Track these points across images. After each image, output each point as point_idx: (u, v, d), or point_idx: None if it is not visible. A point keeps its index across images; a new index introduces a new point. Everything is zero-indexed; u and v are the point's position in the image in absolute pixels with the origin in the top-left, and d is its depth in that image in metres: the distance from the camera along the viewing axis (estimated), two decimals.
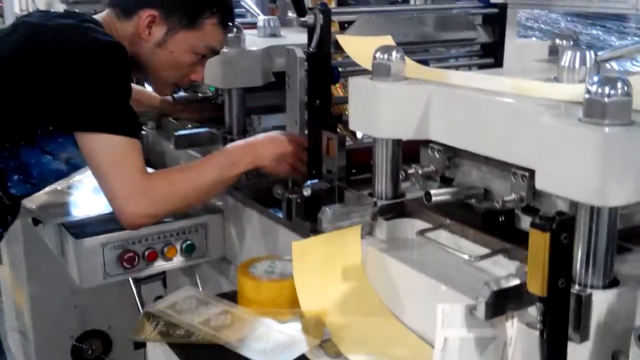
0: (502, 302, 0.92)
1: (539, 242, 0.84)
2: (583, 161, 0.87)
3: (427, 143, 1.23)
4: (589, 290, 0.92)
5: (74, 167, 1.52)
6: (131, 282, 1.87)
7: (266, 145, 1.47)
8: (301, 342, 1.10)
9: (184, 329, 1.15)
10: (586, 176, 0.87)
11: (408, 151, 1.29)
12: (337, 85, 1.63)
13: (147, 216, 1.38)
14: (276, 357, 1.06)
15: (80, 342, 2.36)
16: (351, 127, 1.31)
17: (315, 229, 1.33)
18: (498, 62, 1.69)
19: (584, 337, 0.92)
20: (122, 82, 1.38)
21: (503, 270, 1.06)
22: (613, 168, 0.86)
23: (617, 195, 0.87)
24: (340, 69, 1.47)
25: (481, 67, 1.70)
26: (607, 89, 0.86)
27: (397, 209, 1.27)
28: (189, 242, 1.65)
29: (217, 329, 1.14)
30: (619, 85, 0.86)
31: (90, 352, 2.38)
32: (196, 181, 1.42)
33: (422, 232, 1.19)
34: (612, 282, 0.95)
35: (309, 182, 1.40)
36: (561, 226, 0.84)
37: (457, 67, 1.73)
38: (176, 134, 1.77)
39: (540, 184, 0.94)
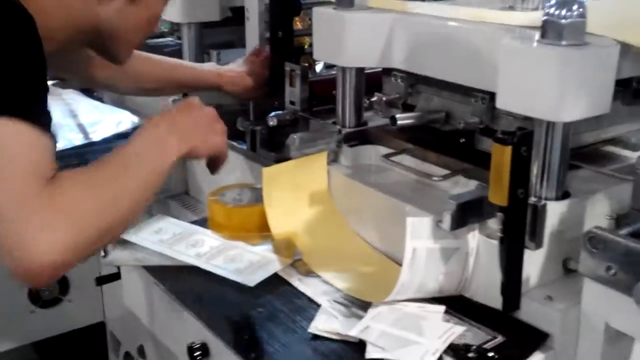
0: (465, 215, 0.99)
1: (501, 155, 0.91)
2: (541, 79, 0.93)
3: (389, 71, 1.28)
4: (543, 201, 1.00)
5: None
6: None
7: (191, 124, 1.09)
8: (274, 262, 1.15)
9: (158, 253, 1.18)
10: (543, 93, 0.93)
11: (368, 81, 1.34)
12: (296, 18, 1.65)
13: (64, 252, 0.84)
14: (251, 275, 1.10)
15: None
16: (316, 57, 1.33)
17: (279, 159, 1.37)
18: None
19: (538, 245, 1.00)
20: (25, 51, 0.91)
21: (463, 190, 1.13)
22: (568, 86, 0.92)
23: (570, 111, 0.94)
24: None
25: None
26: (564, 11, 0.92)
27: (360, 136, 1.32)
28: None
29: (191, 252, 1.17)
30: (575, 7, 0.92)
31: (47, 293, 2.37)
32: (123, 184, 0.94)
33: (386, 157, 1.24)
34: (564, 194, 1.03)
35: (273, 113, 1.43)
36: (521, 140, 0.91)
37: None
38: None
39: (500, 103, 1.00)
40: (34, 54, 0.92)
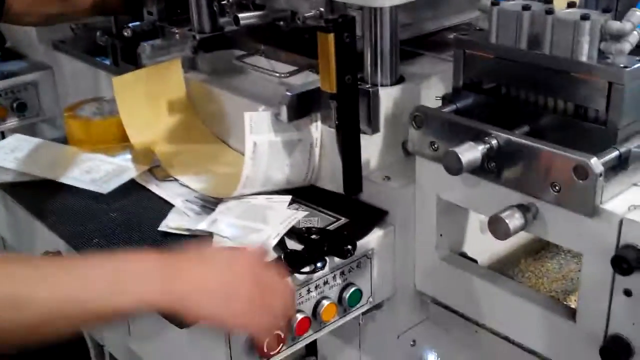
0: (303, 106, 1.03)
1: (325, 43, 0.94)
2: None
3: None
4: (376, 87, 1.04)
5: None
6: None
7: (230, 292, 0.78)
8: (130, 169, 1.16)
9: (12, 170, 1.17)
10: None
11: None
12: None
13: None
14: (105, 184, 1.12)
15: None
16: None
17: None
18: None
19: (375, 129, 1.05)
20: None
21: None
22: None
23: None
24: None
25: None
26: None
27: (216, 41, 1.32)
28: (20, 101, 1.62)
29: (47, 168, 1.17)
30: None
31: None
32: (50, 294, 0.68)
33: (239, 58, 1.25)
34: (398, 80, 1.07)
35: (129, 25, 1.41)
36: (342, 26, 0.93)
37: None
38: None
39: None
40: None
